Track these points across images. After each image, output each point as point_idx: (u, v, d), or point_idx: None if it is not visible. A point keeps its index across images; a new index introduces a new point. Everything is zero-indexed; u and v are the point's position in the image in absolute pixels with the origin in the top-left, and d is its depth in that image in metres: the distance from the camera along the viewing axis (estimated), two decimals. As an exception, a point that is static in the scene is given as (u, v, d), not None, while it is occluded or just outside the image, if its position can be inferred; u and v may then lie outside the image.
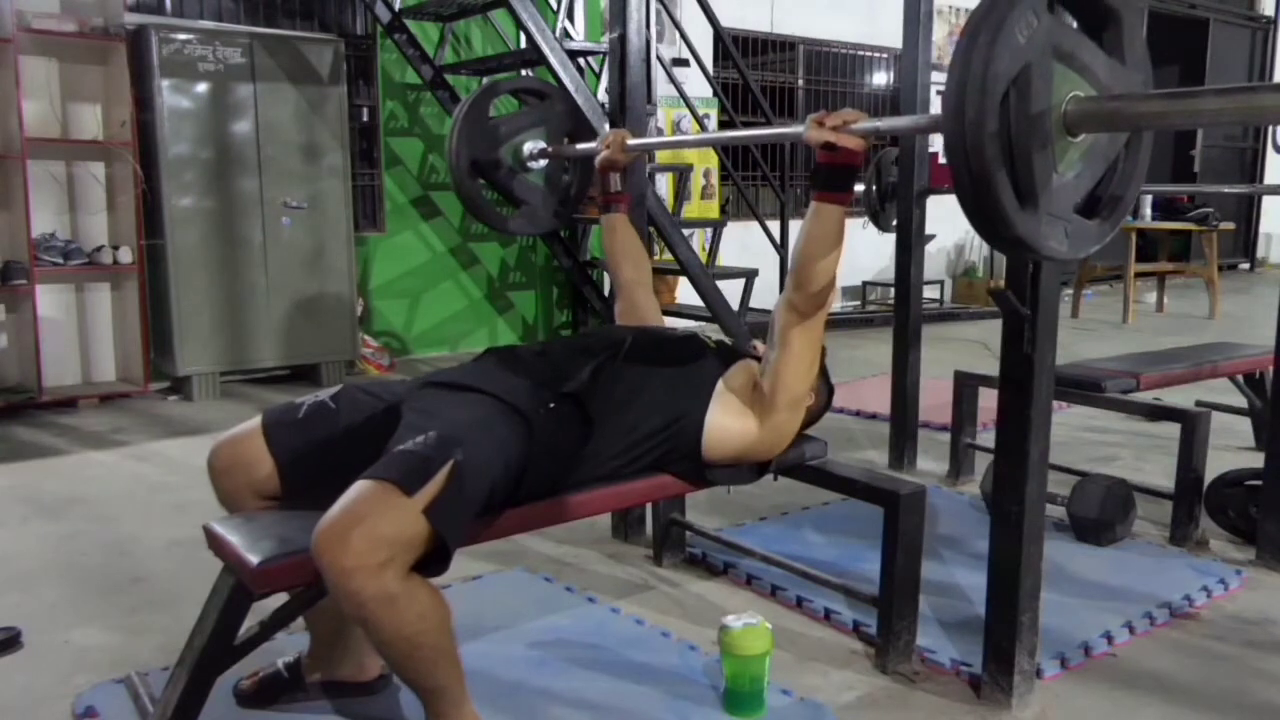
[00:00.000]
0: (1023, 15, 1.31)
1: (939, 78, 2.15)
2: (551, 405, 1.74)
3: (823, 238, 1.78)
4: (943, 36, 8.64)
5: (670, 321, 2.41)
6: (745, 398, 1.92)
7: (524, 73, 5.65)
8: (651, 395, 1.87)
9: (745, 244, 6.24)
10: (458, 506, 1.51)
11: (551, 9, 5.76)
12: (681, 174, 5.77)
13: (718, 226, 5.70)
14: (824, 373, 2.08)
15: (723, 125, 6.84)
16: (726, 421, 1.90)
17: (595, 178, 2.44)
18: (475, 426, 1.62)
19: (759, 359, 2.03)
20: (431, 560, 1.48)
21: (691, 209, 6.61)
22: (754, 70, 7.57)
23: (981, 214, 1.35)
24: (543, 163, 2.57)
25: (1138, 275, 7.41)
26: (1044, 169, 1.35)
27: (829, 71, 8.15)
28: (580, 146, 2.52)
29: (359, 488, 1.46)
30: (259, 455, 1.73)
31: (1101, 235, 1.49)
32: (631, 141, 2.34)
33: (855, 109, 1.74)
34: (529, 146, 2.53)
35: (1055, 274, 1.84)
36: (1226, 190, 10.72)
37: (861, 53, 8.30)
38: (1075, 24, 1.44)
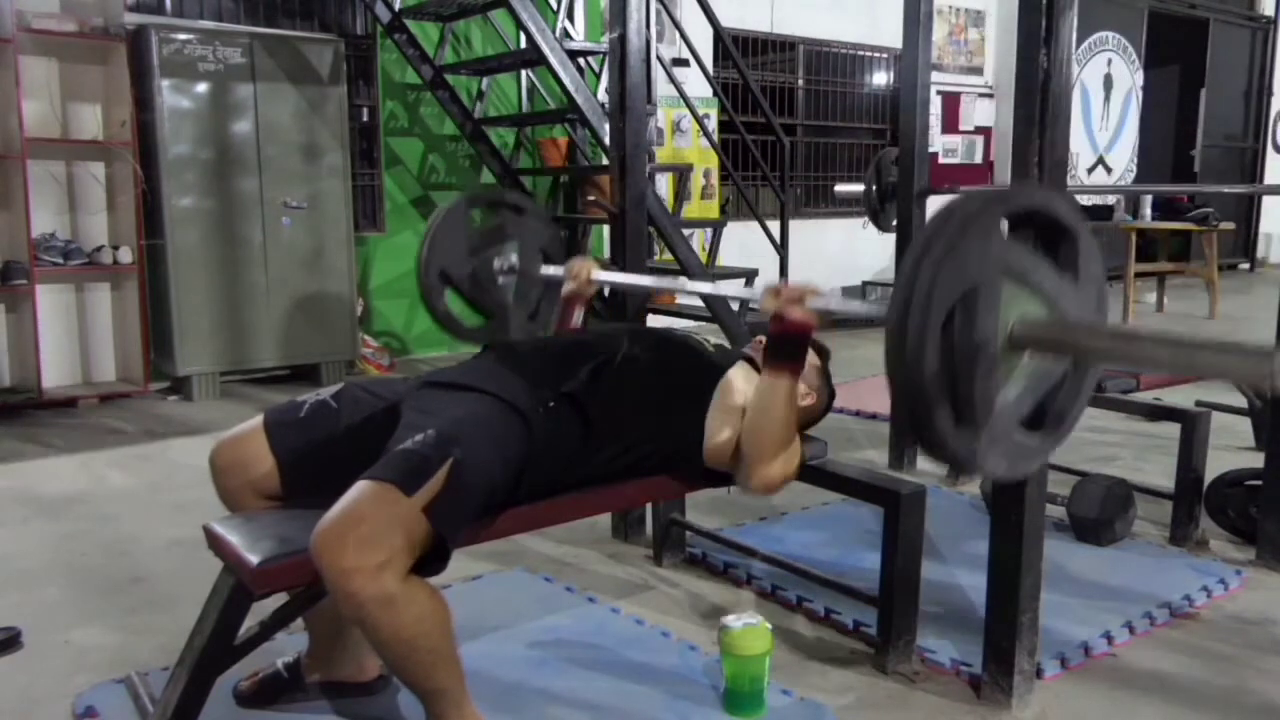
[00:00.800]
0: (976, 235, 1.28)
1: (939, 78, 2.17)
2: (551, 404, 1.74)
3: (769, 409, 1.76)
4: (943, 36, 8.64)
5: (670, 322, 2.41)
6: (735, 416, 1.87)
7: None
8: (651, 397, 1.86)
9: (745, 244, 6.23)
10: (457, 505, 1.51)
11: (551, 9, 5.76)
12: (681, 174, 5.76)
13: (718, 226, 5.69)
14: (825, 375, 2.08)
15: (723, 125, 6.84)
16: (721, 434, 1.87)
17: (559, 302, 2.37)
18: (473, 424, 1.63)
19: (754, 362, 2.00)
20: (430, 560, 1.49)
21: (691, 209, 6.61)
22: (754, 70, 7.57)
23: (917, 433, 1.32)
24: (509, 280, 2.56)
25: (1138, 275, 7.41)
26: (985, 393, 1.31)
27: (829, 71, 8.15)
28: (547, 271, 2.48)
29: (358, 489, 1.47)
30: (260, 454, 1.74)
31: (1043, 452, 1.46)
32: (598, 275, 2.31)
33: (812, 286, 1.73)
34: (500, 261, 2.53)
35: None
36: (1226, 190, 10.73)
37: (861, 53, 8.30)
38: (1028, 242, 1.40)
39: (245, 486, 1.75)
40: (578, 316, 2.33)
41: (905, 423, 1.36)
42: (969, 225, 1.28)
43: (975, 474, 1.38)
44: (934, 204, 3.61)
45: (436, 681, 1.53)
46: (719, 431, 1.86)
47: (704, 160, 6.88)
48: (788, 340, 1.76)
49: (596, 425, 1.78)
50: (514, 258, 2.54)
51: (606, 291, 2.73)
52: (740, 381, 1.92)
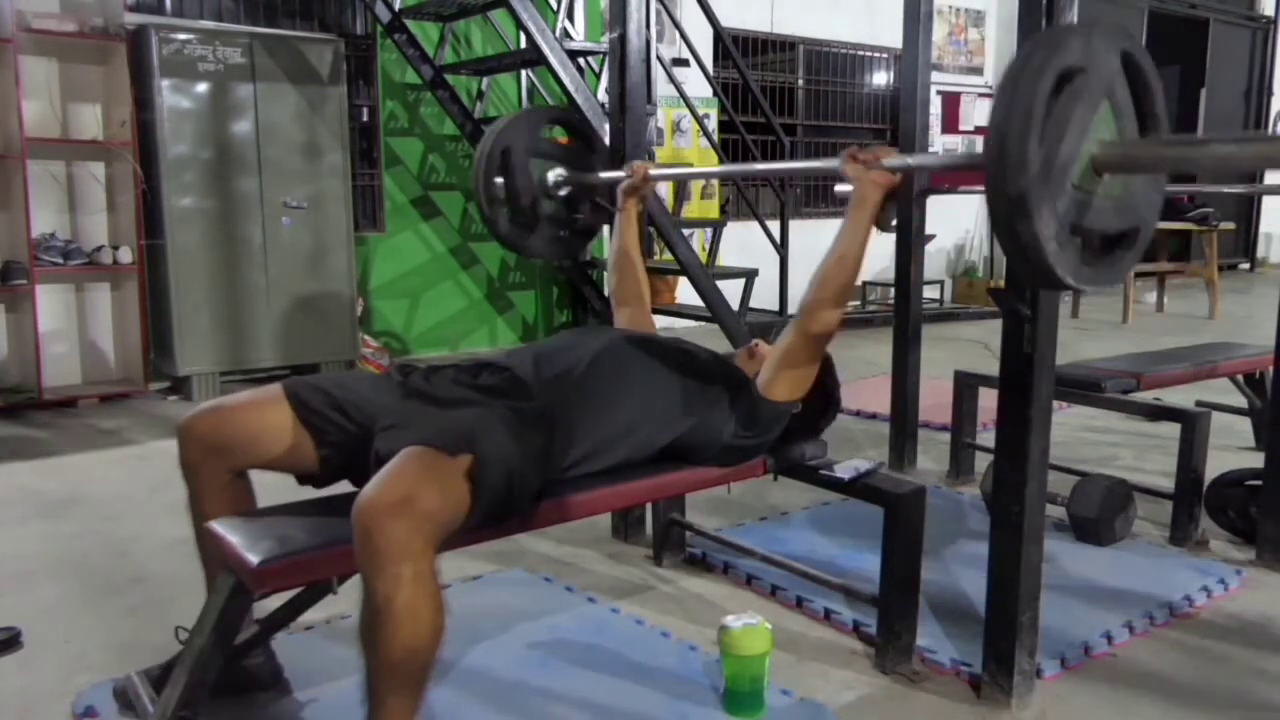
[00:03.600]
0: (1099, 41, 1.41)
1: (939, 78, 2.17)
2: (525, 411, 1.75)
3: (845, 254, 1.95)
4: (943, 36, 8.64)
5: (670, 322, 2.43)
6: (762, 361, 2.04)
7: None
8: (622, 399, 1.89)
9: (745, 244, 6.23)
10: (495, 475, 1.56)
11: (551, 9, 5.76)
12: (681, 174, 5.77)
13: (718, 226, 5.69)
14: (825, 380, 2.10)
15: (723, 125, 6.84)
16: (767, 369, 1.97)
17: (619, 199, 2.52)
18: (490, 419, 1.67)
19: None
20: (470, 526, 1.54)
21: (691, 209, 6.61)
22: (754, 70, 7.57)
23: (1013, 238, 1.40)
24: (562, 192, 2.61)
25: (1138, 275, 7.40)
26: (1076, 199, 1.42)
27: (829, 71, 8.15)
28: (605, 175, 2.59)
29: (403, 454, 1.50)
30: (281, 426, 1.76)
31: (1124, 267, 1.57)
32: (655, 172, 2.47)
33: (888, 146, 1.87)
34: (554, 175, 2.59)
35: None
36: (1226, 190, 10.70)
37: (861, 53, 8.30)
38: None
39: (234, 460, 1.76)
40: (635, 215, 2.48)
41: (1002, 230, 1.42)
42: (1096, 32, 1.42)
43: (1064, 285, 1.47)
44: (934, 204, 3.63)
45: (403, 703, 1.45)
46: (766, 370, 1.97)
47: (704, 160, 6.88)
48: (867, 195, 1.86)
49: (560, 432, 1.79)
50: (570, 171, 2.63)
51: (607, 290, 2.76)
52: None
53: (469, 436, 1.57)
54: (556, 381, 1.83)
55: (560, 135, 2.81)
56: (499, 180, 2.52)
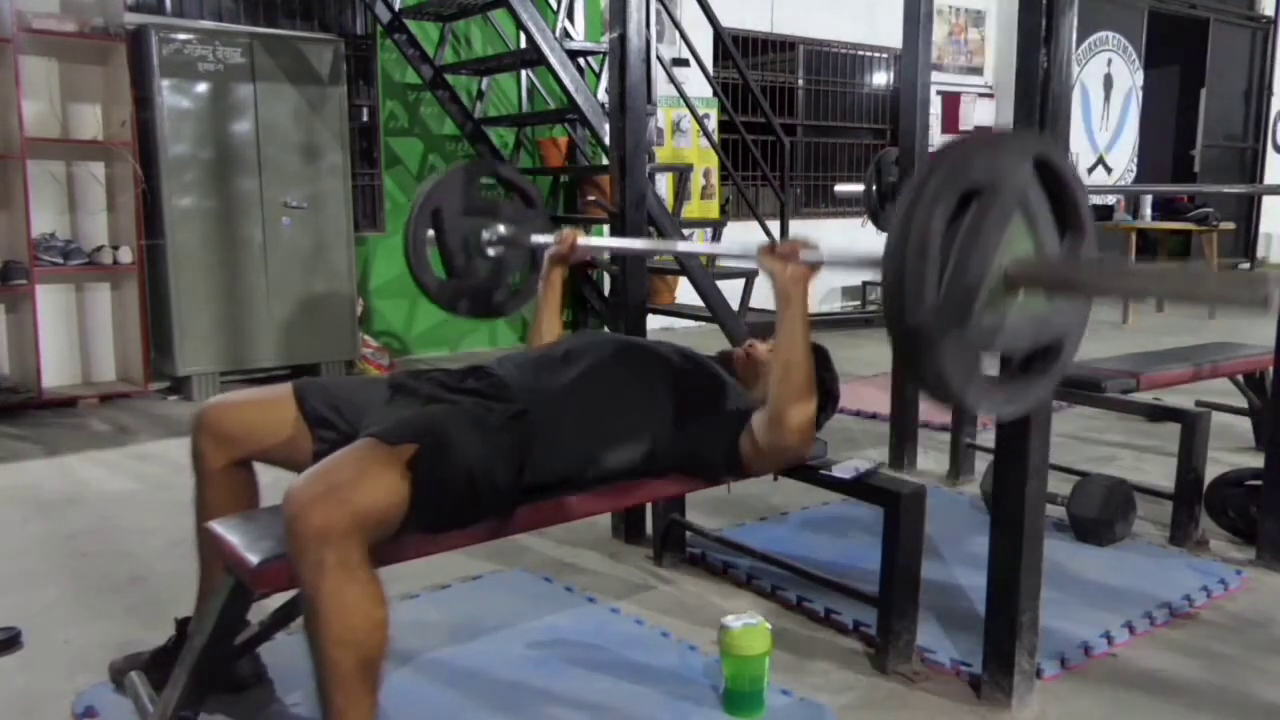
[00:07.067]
0: (1015, 156, 1.34)
1: (939, 78, 2.16)
2: (509, 416, 1.74)
3: (794, 353, 1.78)
4: (943, 36, 8.64)
5: (669, 323, 2.38)
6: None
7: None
8: (612, 408, 1.87)
9: (745, 244, 6.23)
10: (439, 465, 1.54)
11: (551, 9, 5.76)
12: (681, 174, 5.77)
13: (718, 226, 5.69)
14: (824, 375, 2.09)
15: (723, 125, 6.84)
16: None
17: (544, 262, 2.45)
18: (454, 414, 1.68)
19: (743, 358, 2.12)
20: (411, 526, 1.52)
21: (691, 209, 6.61)
22: (754, 70, 7.57)
23: (917, 371, 1.34)
24: (492, 252, 2.57)
25: (1138, 275, 7.40)
26: (986, 328, 1.35)
27: (829, 71, 8.16)
28: (538, 239, 2.54)
29: (345, 448, 1.51)
30: (284, 420, 1.80)
31: (1043, 389, 1.51)
32: (581, 241, 2.39)
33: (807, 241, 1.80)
34: (488, 234, 2.55)
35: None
36: (1226, 190, 10.72)
37: (861, 53, 8.30)
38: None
39: (233, 449, 1.79)
40: (559, 283, 2.40)
41: (904, 363, 1.35)
42: (1003, 144, 1.34)
43: (975, 412, 1.42)
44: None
45: (348, 701, 1.42)
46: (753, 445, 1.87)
47: (704, 160, 6.88)
48: (789, 291, 1.80)
49: (542, 436, 1.76)
50: (505, 230, 2.57)
51: (608, 289, 2.73)
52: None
53: (420, 429, 1.56)
54: (544, 388, 1.82)
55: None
56: (430, 233, 2.49)
